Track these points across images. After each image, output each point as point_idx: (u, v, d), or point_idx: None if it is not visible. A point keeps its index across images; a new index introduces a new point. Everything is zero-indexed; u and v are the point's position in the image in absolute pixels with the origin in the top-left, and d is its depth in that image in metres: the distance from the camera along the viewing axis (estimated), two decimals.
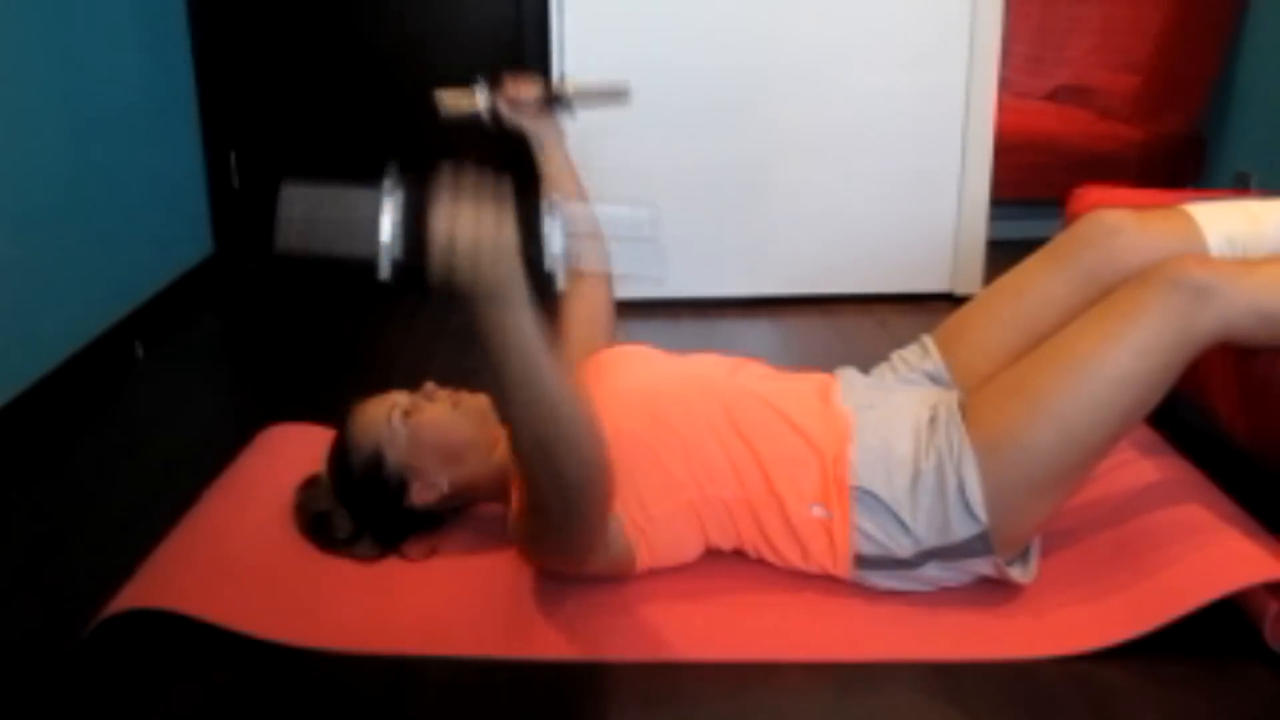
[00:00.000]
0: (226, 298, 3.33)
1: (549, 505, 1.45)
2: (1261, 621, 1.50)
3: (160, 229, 3.12)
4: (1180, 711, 1.41)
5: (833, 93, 3.03)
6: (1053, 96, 3.94)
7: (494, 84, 2.02)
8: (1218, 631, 1.52)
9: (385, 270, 1.17)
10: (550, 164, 2.06)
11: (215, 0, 3.37)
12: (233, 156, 3.52)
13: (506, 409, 1.37)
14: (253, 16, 3.42)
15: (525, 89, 2.04)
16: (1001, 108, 3.08)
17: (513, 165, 1.43)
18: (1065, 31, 3.96)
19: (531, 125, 2.06)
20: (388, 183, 1.18)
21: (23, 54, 2.40)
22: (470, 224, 1.21)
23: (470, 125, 2.00)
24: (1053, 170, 3.44)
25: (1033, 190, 3.45)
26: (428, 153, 3.58)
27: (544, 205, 1.23)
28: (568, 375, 1.37)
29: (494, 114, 1.97)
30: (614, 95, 2.02)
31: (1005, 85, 3.30)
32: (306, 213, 1.17)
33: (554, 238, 1.22)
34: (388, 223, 1.17)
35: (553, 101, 2.02)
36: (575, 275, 1.33)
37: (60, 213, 2.54)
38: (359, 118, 3.52)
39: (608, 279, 2.00)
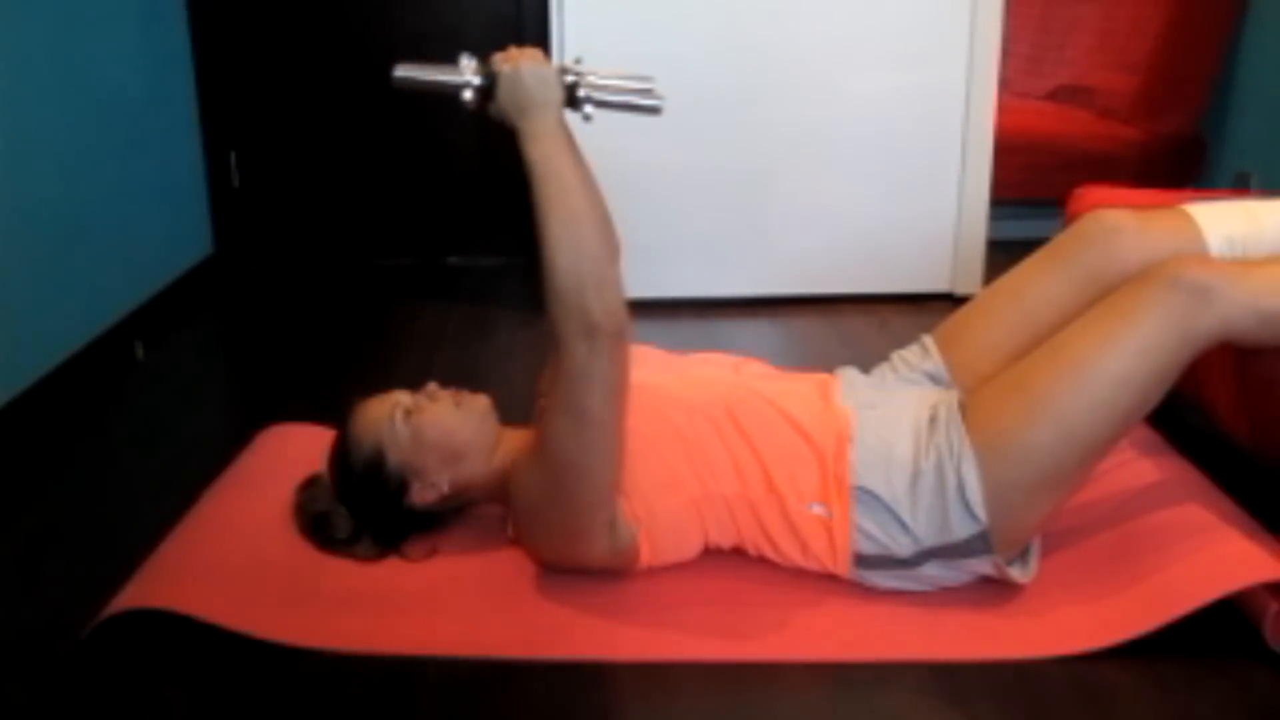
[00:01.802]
0: (226, 298, 3.33)
1: (574, 371, 1.48)
2: (1261, 621, 1.50)
3: (160, 229, 3.12)
4: (1180, 711, 1.41)
5: (833, 93, 3.03)
6: (1053, 96, 3.94)
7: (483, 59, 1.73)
8: (1218, 631, 1.52)
9: (469, 94, 1.54)
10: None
11: (215, 0, 3.38)
12: (233, 156, 3.52)
13: (543, 238, 1.47)
14: (253, 16, 3.42)
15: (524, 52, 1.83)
16: (1001, 108, 3.08)
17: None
18: (1065, 31, 3.96)
19: None
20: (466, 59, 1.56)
21: (23, 54, 2.40)
22: (525, 60, 1.53)
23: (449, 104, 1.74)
24: (1053, 170, 3.44)
25: (1033, 190, 3.45)
26: (428, 152, 3.60)
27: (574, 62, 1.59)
28: (598, 204, 1.52)
29: (483, 92, 1.59)
30: (644, 108, 1.63)
31: (1005, 85, 3.30)
32: (415, 70, 1.60)
33: (586, 77, 1.57)
34: (469, 65, 1.55)
35: (568, 101, 1.66)
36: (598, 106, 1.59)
37: (60, 213, 2.54)
38: (359, 117, 3.52)
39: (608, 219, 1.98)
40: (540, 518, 1.61)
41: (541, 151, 1.49)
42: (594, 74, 1.58)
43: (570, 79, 1.55)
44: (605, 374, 1.48)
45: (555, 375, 1.51)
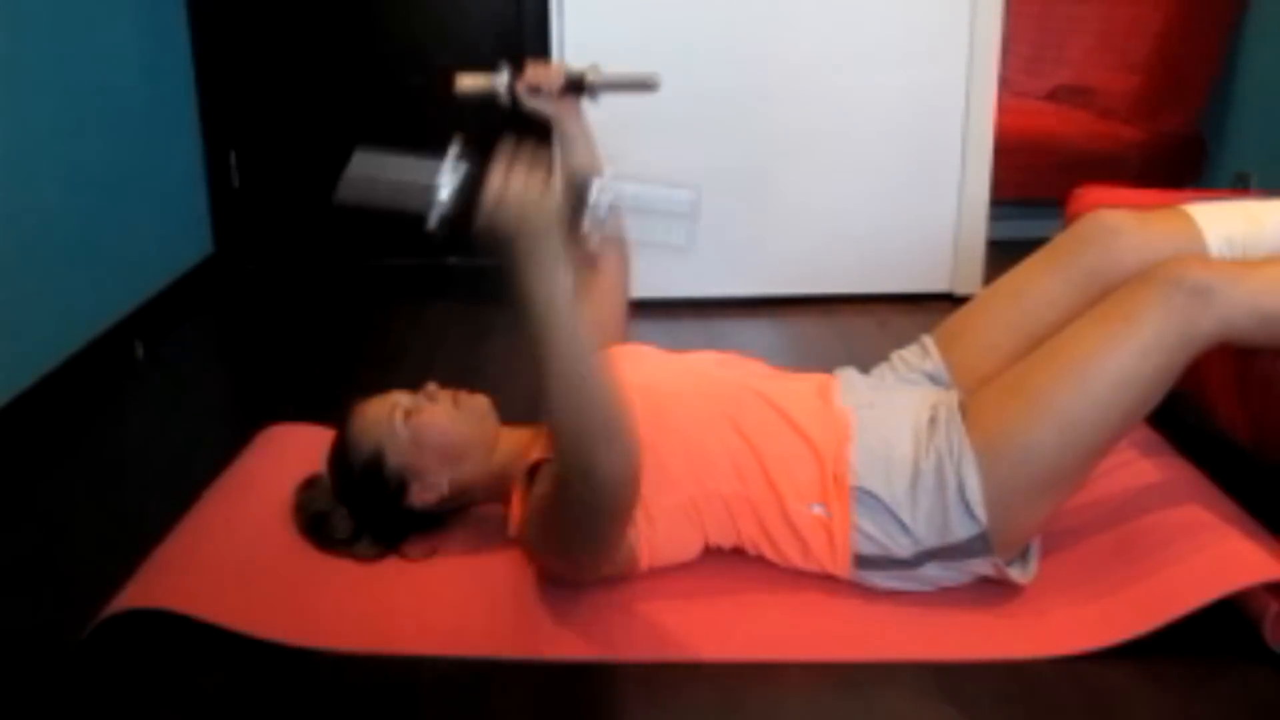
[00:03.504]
0: (226, 298, 3.33)
1: (574, 500, 1.43)
2: (1261, 621, 1.50)
3: (160, 229, 3.12)
4: (1180, 711, 1.41)
5: (833, 92, 3.02)
6: (1053, 96, 3.94)
7: (516, 67, 1.96)
8: (1218, 631, 1.52)
9: (434, 222, 1.30)
10: (572, 152, 2.01)
11: (215, 0, 3.38)
12: (233, 156, 3.52)
13: (542, 388, 1.35)
14: (253, 16, 3.41)
15: (547, 75, 1.96)
16: (1001, 108, 3.08)
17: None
18: (1065, 31, 3.96)
19: (554, 111, 1.99)
20: (453, 150, 1.33)
21: (22, 54, 2.40)
22: (520, 184, 1.30)
23: (484, 109, 1.92)
24: (1053, 170, 3.44)
25: (1033, 190, 3.45)
26: (428, 152, 3.59)
27: (591, 175, 1.33)
28: (603, 362, 1.37)
29: (513, 97, 1.90)
30: (642, 85, 1.93)
31: (1005, 85, 3.30)
32: (371, 171, 1.33)
33: (599, 202, 1.32)
34: (446, 180, 1.31)
35: (577, 89, 1.96)
36: (607, 241, 1.40)
37: (60, 213, 2.54)
38: (359, 117, 3.52)
39: (624, 283, 1.99)
40: (549, 553, 1.61)
41: (534, 294, 1.30)
42: (612, 187, 1.36)
43: (578, 196, 1.33)
44: (608, 511, 1.44)
45: (552, 484, 1.47)
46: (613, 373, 1.36)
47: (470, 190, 1.29)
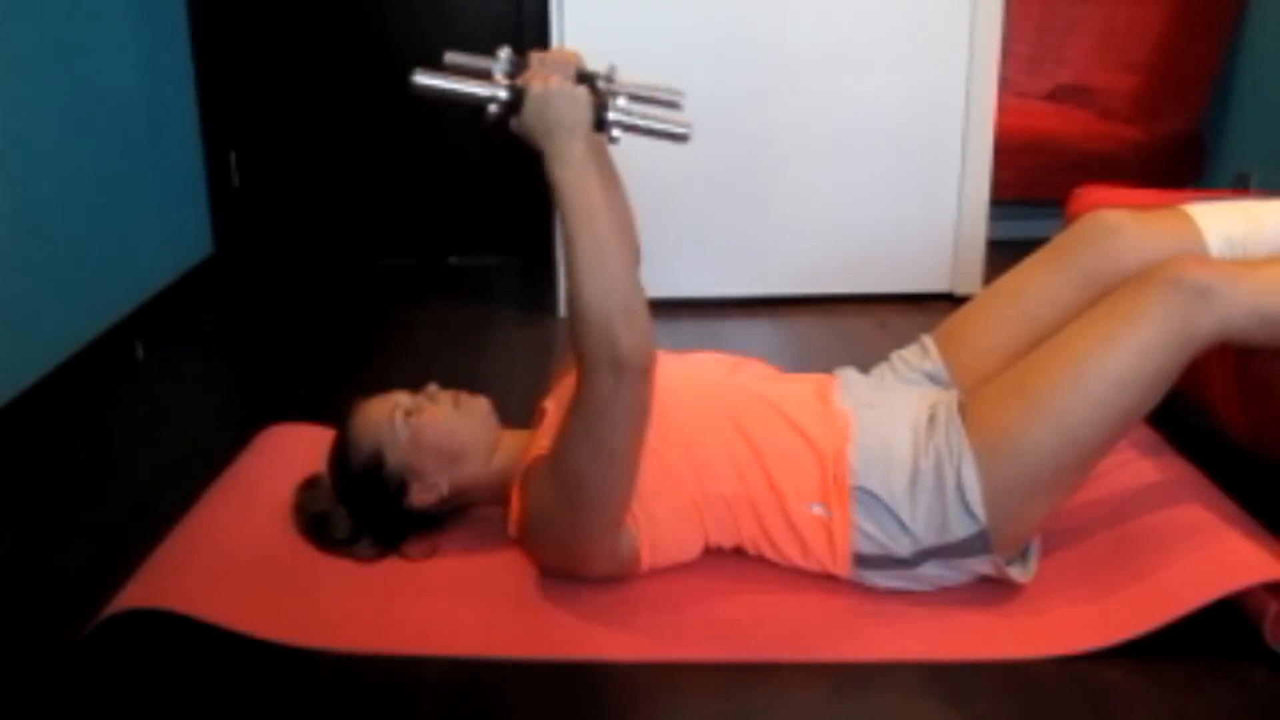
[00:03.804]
0: (226, 298, 3.33)
1: (597, 402, 1.46)
2: (1261, 621, 1.50)
3: (160, 229, 3.12)
4: (1180, 711, 1.41)
5: (833, 92, 3.02)
6: (1053, 96, 3.94)
7: (517, 60, 1.57)
8: (1218, 631, 1.52)
9: (493, 109, 1.48)
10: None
11: (215, 0, 3.38)
12: (233, 156, 3.52)
13: (571, 276, 1.45)
14: (253, 16, 3.42)
15: (558, 63, 1.55)
16: (1001, 108, 3.08)
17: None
18: (1065, 31, 3.96)
19: None
20: (504, 55, 1.52)
21: (22, 54, 2.40)
22: (556, 80, 1.47)
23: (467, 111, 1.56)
24: (1053, 170, 3.44)
25: (1033, 190, 3.45)
26: (428, 152, 3.59)
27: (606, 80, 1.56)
28: (625, 247, 1.50)
29: (508, 107, 1.49)
30: (669, 122, 1.56)
31: (1005, 85, 3.30)
32: (436, 79, 1.49)
33: (616, 100, 1.52)
34: (500, 71, 1.49)
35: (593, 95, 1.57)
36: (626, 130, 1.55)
37: (60, 213, 2.54)
38: (359, 117, 3.53)
39: (632, 229, 1.98)
40: (549, 528, 1.61)
41: (567, 177, 1.45)
42: (624, 92, 1.53)
43: (599, 100, 1.49)
44: (627, 408, 1.47)
45: (576, 398, 1.49)
46: (631, 237, 1.49)
47: (515, 103, 1.47)
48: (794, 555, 1.64)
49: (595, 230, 1.44)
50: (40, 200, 2.45)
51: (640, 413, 1.49)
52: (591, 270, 1.43)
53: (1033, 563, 1.63)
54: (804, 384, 1.76)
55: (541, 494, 1.58)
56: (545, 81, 1.46)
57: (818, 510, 1.60)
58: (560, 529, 1.59)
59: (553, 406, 1.75)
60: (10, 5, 2.35)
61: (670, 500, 1.62)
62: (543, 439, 1.65)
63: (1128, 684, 1.45)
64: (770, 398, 1.68)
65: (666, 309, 3.09)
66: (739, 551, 1.69)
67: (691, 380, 1.72)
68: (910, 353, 1.82)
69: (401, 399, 1.75)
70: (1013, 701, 1.43)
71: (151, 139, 3.08)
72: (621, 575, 1.64)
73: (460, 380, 1.86)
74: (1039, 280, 1.73)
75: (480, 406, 1.76)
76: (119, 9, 2.88)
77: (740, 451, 1.63)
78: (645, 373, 1.46)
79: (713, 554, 1.69)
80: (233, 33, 3.42)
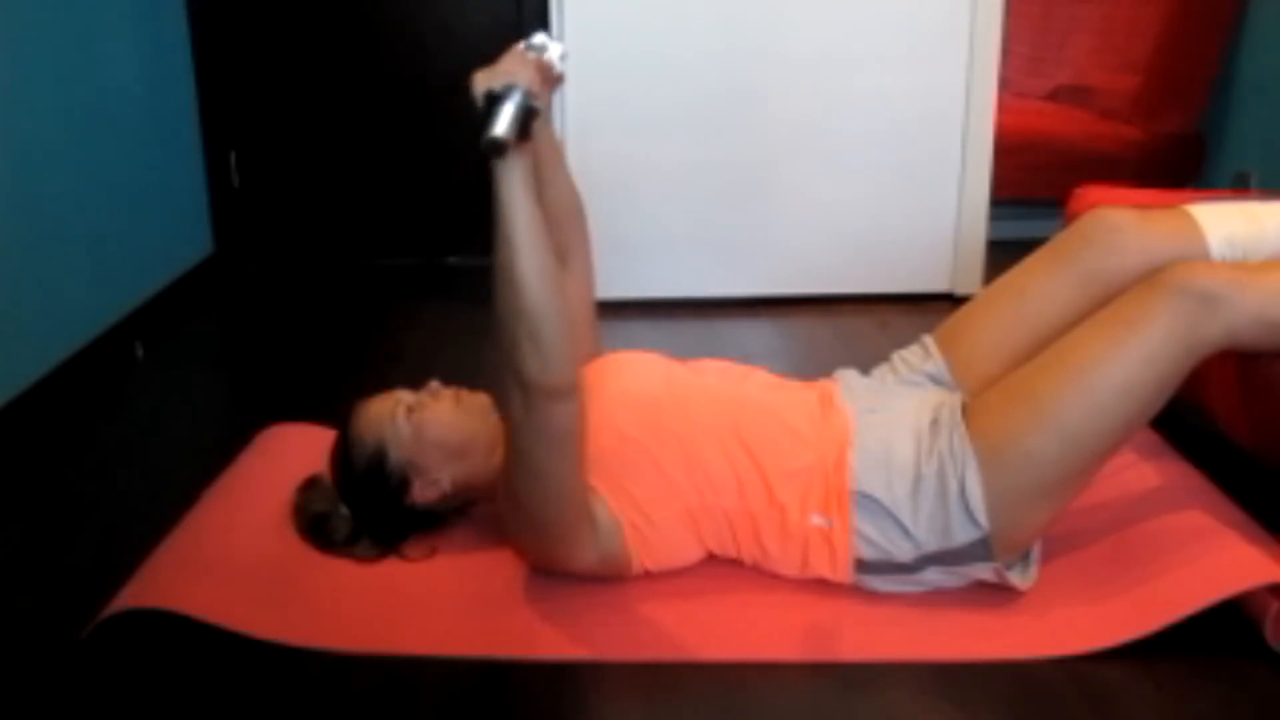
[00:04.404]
0: (227, 298, 3.33)
1: (514, 415, 1.45)
2: (1262, 621, 1.50)
3: (160, 229, 3.12)
4: (1180, 711, 1.41)
5: (833, 92, 3.02)
6: (1053, 96, 3.94)
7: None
8: (1218, 631, 1.52)
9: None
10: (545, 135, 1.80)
11: (215, 0, 3.38)
12: (233, 156, 3.52)
13: (495, 277, 1.43)
14: (253, 16, 3.42)
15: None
16: (1001, 108, 3.08)
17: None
18: (1065, 31, 3.96)
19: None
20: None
21: (23, 54, 2.40)
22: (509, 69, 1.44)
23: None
24: (1053, 170, 3.44)
25: (1033, 190, 3.45)
26: (428, 152, 3.59)
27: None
28: (545, 263, 1.41)
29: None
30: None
31: (1005, 85, 3.30)
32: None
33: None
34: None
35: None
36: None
37: (60, 213, 2.54)
38: (359, 117, 3.52)
39: (589, 279, 1.95)
40: (517, 531, 1.62)
41: (500, 193, 1.41)
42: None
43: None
44: (540, 429, 1.46)
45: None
46: (556, 283, 1.42)
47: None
48: (792, 569, 1.64)
49: (510, 253, 1.40)
50: (40, 200, 2.45)
51: (559, 436, 1.47)
52: (502, 292, 1.41)
53: (1033, 569, 1.63)
54: (806, 392, 1.75)
55: (501, 499, 1.60)
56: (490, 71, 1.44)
57: (818, 520, 1.60)
58: (526, 533, 1.60)
59: None
60: (11, 5, 2.35)
61: (668, 508, 1.62)
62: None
63: (1128, 684, 1.45)
64: (772, 407, 1.68)
65: (666, 309, 3.09)
66: (737, 563, 1.69)
67: (694, 389, 1.71)
68: (911, 353, 1.82)
69: (403, 396, 1.76)
70: (1013, 701, 1.43)
71: (151, 139, 3.08)
72: (613, 575, 1.64)
73: (461, 379, 1.86)
74: (1040, 279, 1.72)
75: (481, 403, 1.76)
76: (120, 9, 2.88)
77: (741, 463, 1.62)
78: (555, 396, 1.43)
79: (713, 555, 1.69)
80: (233, 33, 3.42)
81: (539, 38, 1.58)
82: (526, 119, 1.41)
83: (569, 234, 1.85)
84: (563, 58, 1.59)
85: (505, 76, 1.41)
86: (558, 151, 1.83)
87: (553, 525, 1.56)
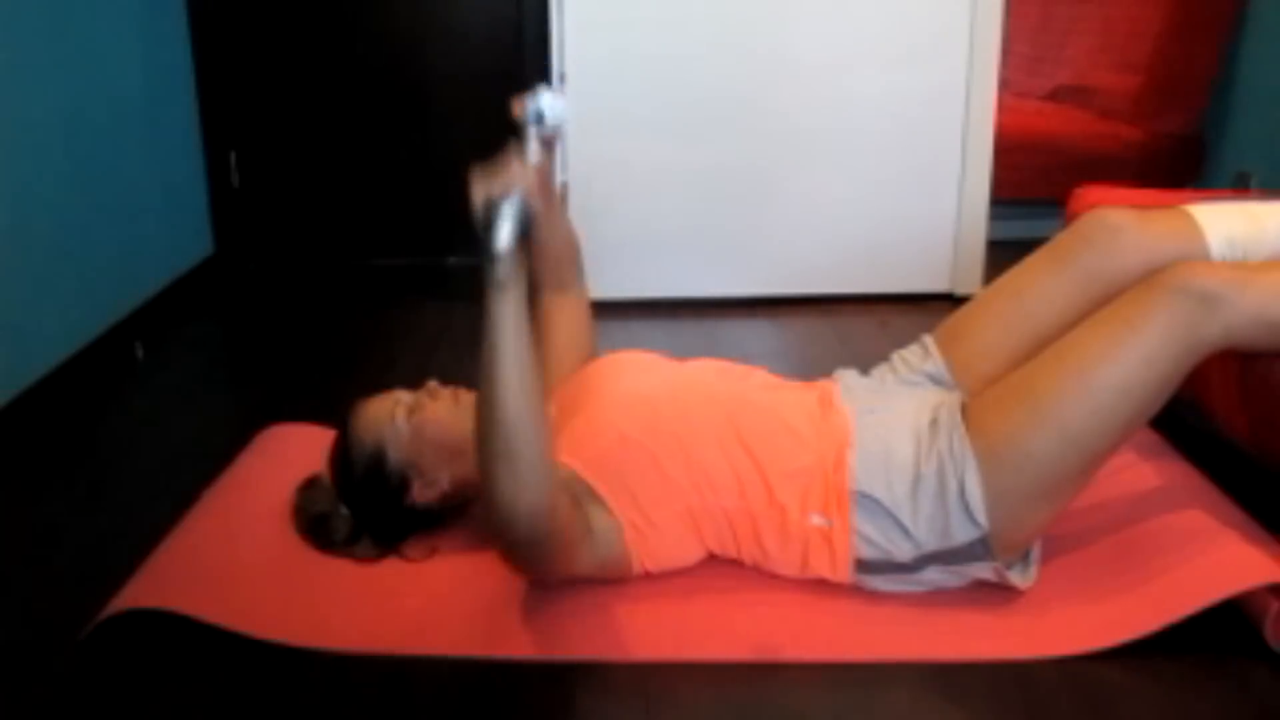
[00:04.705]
0: (227, 298, 3.33)
1: (488, 521, 1.44)
2: (1262, 621, 1.50)
3: (160, 229, 3.12)
4: (1180, 711, 1.41)
5: (833, 92, 3.03)
6: (1053, 96, 3.94)
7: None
8: (1218, 631, 1.52)
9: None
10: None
11: (215, 0, 3.38)
12: (233, 156, 3.52)
13: (477, 403, 1.40)
14: (253, 16, 3.42)
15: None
16: (1001, 108, 3.08)
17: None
18: (1065, 31, 3.96)
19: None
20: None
21: (23, 54, 2.40)
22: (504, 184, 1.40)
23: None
24: (1053, 170, 3.44)
25: (1033, 190, 3.45)
26: (427, 152, 3.59)
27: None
28: (528, 392, 1.37)
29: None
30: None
31: (1005, 85, 3.30)
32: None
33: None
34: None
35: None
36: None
37: (60, 213, 2.54)
38: (359, 118, 3.52)
39: (586, 302, 1.95)
40: (510, 553, 1.58)
41: (490, 318, 1.37)
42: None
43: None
44: (518, 545, 1.45)
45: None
46: (537, 407, 1.38)
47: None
48: (792, 570, 1.64)
49: (493, 390, 1.36)
50: (40, 200, 2.45)
51: (539, 557, 1.46)
52: (482, 422, 1.38)
53: (1033, 568, 1.63)
54: (806, 392, 1.75)
55: (486, 528, 1.58)
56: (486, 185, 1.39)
57: (818, 520, 1.60)
58: (516, 554, 1.56)
59: (553, 411, 1.75)
60: (11, 5, 2.35)
61: (668, 509, 1.62)
62: None
63: (1128, 684, 1.45)
64: (772, 407, 1.68)
65: (666, 309, 3.09)
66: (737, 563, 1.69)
67: (693, 389, 1.71)
68: (911, 353, 1.82)
69: (402, 396, 1.76)
70: (1013, 701, 1.43)
71: (151, 139, 3.08)
72: (611, 579, 1.64)
73: (459, 378, 1.85)
74: (1040, 279, 1.72)
75: None
76: (120, 10, 2.88)
77: (741, 463, 1.62)
78: (526, 521, 1.39)
79: (713, 555, 1.69)
80: (233, 33, 3.42)
81: (544, 98, 1.57)
82: (526, 227, 1.38)
83: (567, 270, 1.91)
84: (562, 121, 1.59)
85: (503, 185, 1.38)
86: (558, 196, 1.86)
87: (545, 556, 1.53)
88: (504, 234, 1.36)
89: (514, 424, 1.36)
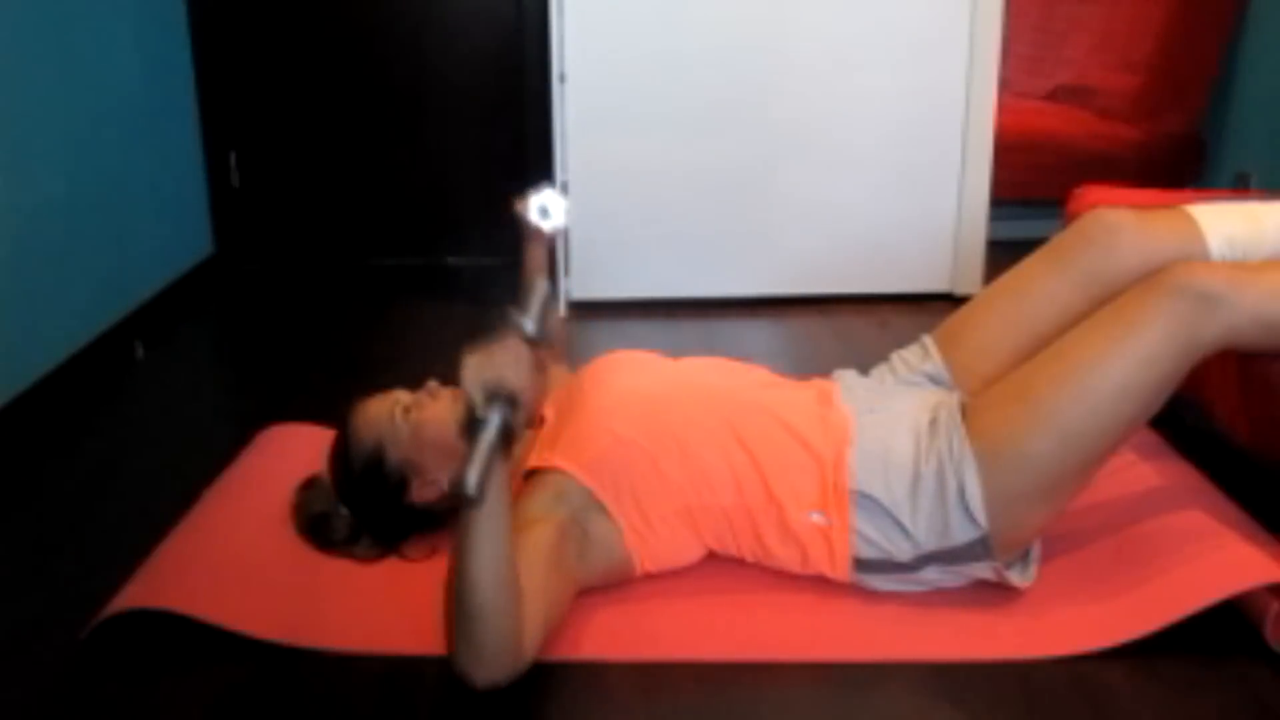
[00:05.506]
0: (227, 298, 3.33)
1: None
2: (1262, 622, 1.50)
3: (160, 229, 3.12)
4: (1180, 711, 1.41)
5: (833, 92, 3.03)
6: (1053, 96, 3.94)
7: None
8: (1218, 631, 1.52)
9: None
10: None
11: (215, 0, 3.38)
12: (233, 156, 3.52)
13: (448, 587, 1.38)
14: (252, 16, 3.42)
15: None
16: (1001, 108, 3.08)
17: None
18: (1065, 31, 3.96)
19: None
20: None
21: (23, 54, 2.40)
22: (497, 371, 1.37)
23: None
24: (1053, 170, 3.44)
25: (1033, 190, 3.45)
26: (427, 152, 3.59)
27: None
28: (500, 571, 1.36)
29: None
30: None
31: (1005, 85, 3.30)
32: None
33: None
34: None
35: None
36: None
37: (60, 213, 2.54)
38: (359, 118, 3.52)
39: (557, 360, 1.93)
40: None
41: (468, 516, 1.37)
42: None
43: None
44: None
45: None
46: (508, 611, 1.36)
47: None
48: (792, 565, 1.64)
49: (465, 588, 1.35)
50: (40, 200, 2.45)
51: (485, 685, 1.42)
52: (454, 603, 1.37)
53: (1032, 568, 1.63)
54: (805, 391, 1.75)
55: None
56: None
57: (817, 518, 1.60)
58: None
59: (551, 414, 1.75)
60: (11, 5, 2.35)
61: (666, 508, 1.62)
62: (543, 449, 1.66)
63: (1128, 684, 1.45)
64: (770, 405, 1.68)
65: (666, 309, 3.09)
66: (737, 559, 1.69)
67: (691, 389, 1.71)
68: (911, 353, 1.82)
69: (401, 396, 1.75)
70: (1013, 701, 1.43)
71: (151, 139, 3.08)
72: (614, 582, 1.64)
73: (458, 378, 1.85)
74: (1040, 279, 1.72)
75: None
76: (120, 10, 2.88)
77: (739, 461, 1.62)
78: (476, 686, 1.38)
79: (713, 555, 1.69)
80: (233, 33, 3.42)
81: (548, 197, 1.59)
82: (509, 437, 1.34)
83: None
84: (565, 223, 1.62)
85: (496, 381, 1.33)
86: (557, 341, 1.84)
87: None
88: (474, 474, 1.28)
89: (482, 619, 1.34)
